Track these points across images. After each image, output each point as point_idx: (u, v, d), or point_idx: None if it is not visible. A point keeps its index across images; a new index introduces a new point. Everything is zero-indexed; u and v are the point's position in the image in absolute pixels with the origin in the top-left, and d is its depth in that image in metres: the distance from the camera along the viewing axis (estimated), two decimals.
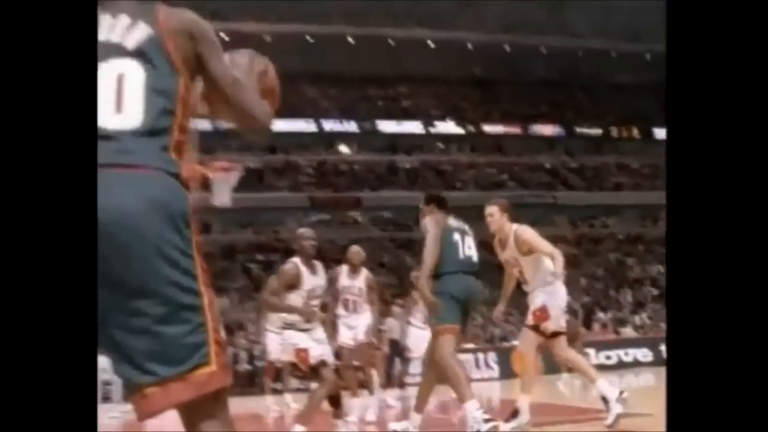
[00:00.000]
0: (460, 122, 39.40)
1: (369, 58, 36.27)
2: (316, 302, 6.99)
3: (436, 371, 6.66)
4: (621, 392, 6.38)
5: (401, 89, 39.70)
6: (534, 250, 6.90)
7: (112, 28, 2.08)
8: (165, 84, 2.05)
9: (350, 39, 36.99)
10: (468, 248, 6.74)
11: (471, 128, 39.38)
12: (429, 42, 37.62)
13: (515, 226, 7.02)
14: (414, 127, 38.94)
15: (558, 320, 6.90)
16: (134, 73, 2.03)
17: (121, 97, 2.00)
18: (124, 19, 2.09)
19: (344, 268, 9.01)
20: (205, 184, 9.54)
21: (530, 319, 6.94)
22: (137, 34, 2.07)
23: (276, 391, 13.08)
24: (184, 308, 1.93)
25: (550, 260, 6.82)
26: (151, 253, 1.90)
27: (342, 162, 37.75)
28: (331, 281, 8.32)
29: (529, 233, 6.97)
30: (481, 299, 7.83)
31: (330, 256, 28.55)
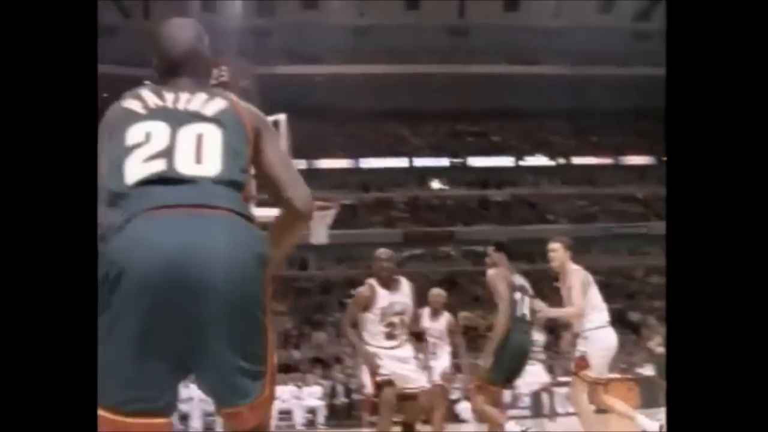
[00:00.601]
0: (550, 155, 39.34)
1: (458, 95, 36.75)
2: (396, 319, 6.84)
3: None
4: (660, 426, 6.38)
5: (491, 124, 39.99)
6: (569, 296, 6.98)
7: (189, 101, 2.28)
8: (239, 146, 2.23)
9: (439, 77, 37.57)
10: (525, 306, 7.09)
11: (561, 160, 39.27)
12: (517, 77, 37.85)
13: (573, 267, 7.09)
14: (504, 161, 39.16)
15: (599, 368, 6.86)
16: (212, 133, 2.21)
17: (201, 152, 2.17)
18: (201, 96, 2.31)
19: (426, 311, 8.91)
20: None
21: (573, 366, 7.10)
22: (215, 105, 2.28)
23: (374, 425, 13.39)
24: (256, 343, 2.11)
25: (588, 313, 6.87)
26: (234, 290, 2.02)
27: (434, 197, 38.17)
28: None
29: (574, 280, 6.97)
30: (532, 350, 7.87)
31: (423, 292, 28.94)
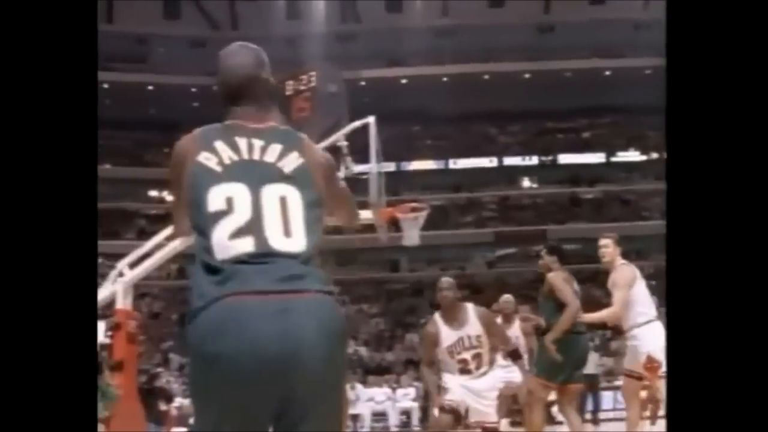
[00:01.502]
0: (642, 150, 38.48)
1: (546, 92, 36.29)
2: (467, 355, 6.65)
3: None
4: None
5: (580, 121, 39.37)
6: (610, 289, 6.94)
7: (264, 151, 2.34)
8: (317, 210, 2.33)
9: (526, 74, 37.20)
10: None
11: (654, 155, 38.37)
12: (606, 71, 37.15)
13: (621, 263, 7.05)
14: (595, 157, 38.50)
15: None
16: (293, 198, 2.27)
17: (287, 223, 2.23)
18: (276, 147, 2.35)
19: (498, 320, 8.66)
20: (395, 225, 10.17)
21: (641, 369, 6.83)
22: (291, 161, 2.33)
23: None
24: (334, 422, 2.25)
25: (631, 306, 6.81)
26: (321, 374, 2.13)
27: (525, 196, 37.84)
28: None
29: (619, 276, 6.93)
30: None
31: (517, 291, 28.70)
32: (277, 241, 2.20)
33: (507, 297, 9.33)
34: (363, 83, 33.25)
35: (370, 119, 9.51)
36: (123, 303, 9.76)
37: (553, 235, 34.43)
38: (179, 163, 2.35)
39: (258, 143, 2.34)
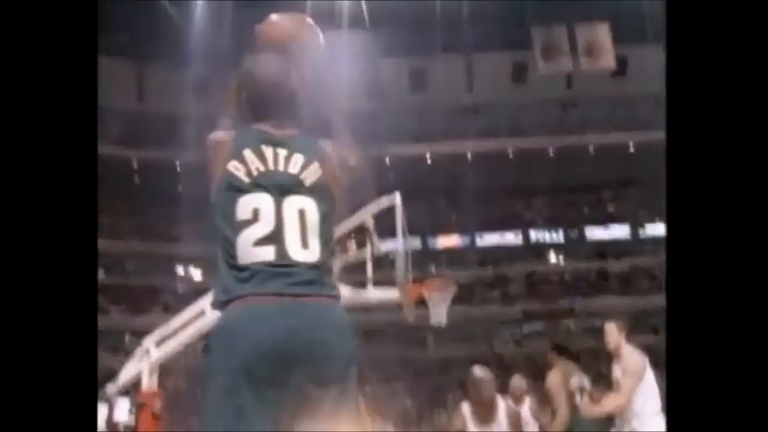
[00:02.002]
0: None
1: (571, 167, 36.38)
2: None
3: None
4: None
5: (606, 194, 39.29)
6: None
7: (288, 161, 2.56)
8: (331, 221, 2.59)
9: (550, 149, 37.36)
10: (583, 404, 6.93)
11: None
12: (630, 144, 37.22)
13: (628, 351, 6.70)
14: (622, 231, 38.28)
15: None
16: (311, 209, 2.52)
17: (305, 234, 2.49)
18: (298, 157, 2.58)
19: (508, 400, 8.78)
20: (421, 302, 10.08)
21: None
22: (312, 173, 2.57)
23: None
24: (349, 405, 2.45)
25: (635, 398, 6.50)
26: (341, 369, 2.44)
27: (552, 271, 37.56)
28: None
29: (628, 364, 6.61)
30: None
31: (545, 368, 28.24)
32: (295, 252, 2.46)
33: (518, 378, 9.19)
34: (388, 160, 33.51)
35: (395, 195, 9.52)
36: (148, 383, 9.72)
37: (581, 311, 34.11)
38: (213, 157, 2.58)
39: (282, 152, 2.57)
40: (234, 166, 2.52)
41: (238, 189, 2.50)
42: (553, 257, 38.50)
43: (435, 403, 29.23)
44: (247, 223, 2.46)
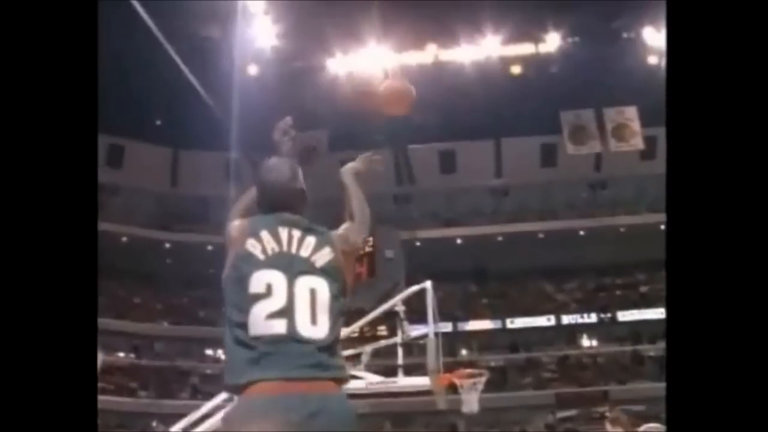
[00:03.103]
0: None
1: (602, 248, 36.16)
2: None
3: None
4: None
5: (638, 276, 38.89)
6: None
7: (301, 244, 2.75)
8: (340, 301, 2.72)
9: (581, 231, 37.23)
10: None
11: None
12: (661, 225, 37.00)
13: None
14: (655, 313, 37.69)
15: None
16: (322, 289, 2.68)
17: (315, 312, 2.63)
18: (311, 240, 2.78)
19: None
20: (452, 388, 9.95)
21: None
22: (324, 255, 2.76)
23: None
24: None
25: None
26: None
27: (585, 355, 36.96)
28: None
29: None
30: None
31: None
32: (305, 328, 2.58)
33: None
34: (419, 243, 33.55)
35: (427, 284, 9.48)
36: None
37: (615, 396, 33.39)
38: (231, 244, 2.80)
39: (296, 235, 2.77)
40: (251, 244, 2.72)
41: (254, 265, 2.67)
42: (585, 341, 37.95)
43: None
44: (261, 296, 2.60)
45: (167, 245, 36.51)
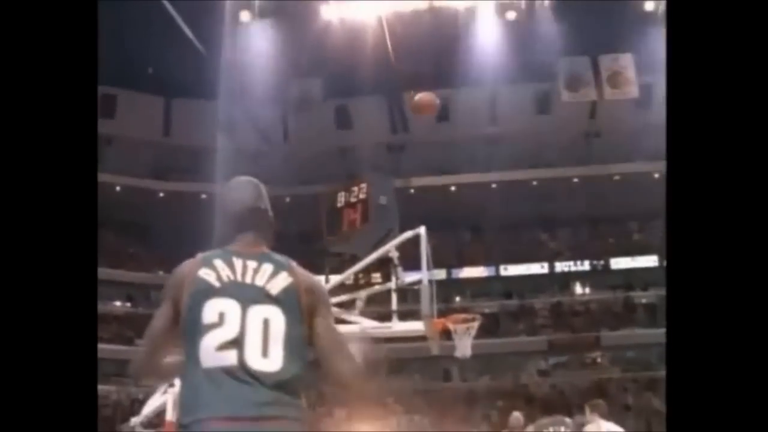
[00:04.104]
0: None
1: (596, 197, 36.25)
2: None
3: None
4: None
5: (631, 224, 39.08)
6: None
7: (256, 273, 2.61)
8: (297, 331, 2.55)
9: (575, 179, 37.27)
10: None
11: None
12: (655, 174, 37.06)
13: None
14: (648, 261, 37.97)
15: None
16: (276, 318, 2.52)
17: (267, 343, 2.48)
18: (267, 268, 2.63)
19: None
20: (446, 334, 10.05)
21: None
22: (279, 283, 2.60)
23: None
24: None
25: None
26: None
27: (577, 302, 37.31)
28: None
29: None
30: None
31: (572, 401, 27.94)
32: (255, 361, 2.44)
33: (516, 414, 9.67)
34: (413, 191, 33.59)
35: (421, 230, 9.52)
36: (172, 415, 9.69)
37: (607, 342, 33.78)
38: (179, 282, 2.64)
39: (252, 264, 2.62)
40: (205, 272, 2.60)
41: (206, 293, 2.54)
42: (578, 288, 38.26)
43: None
44: (213, 326, 2.48)
45: (161, 194, 36.51)
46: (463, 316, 10.05)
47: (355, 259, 9.90)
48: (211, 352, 2.43)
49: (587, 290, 38.10)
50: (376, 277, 10.44)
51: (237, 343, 2.45)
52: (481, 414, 30.13)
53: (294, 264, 2.70)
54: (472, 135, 37.05)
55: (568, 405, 23.18)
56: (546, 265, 38.00)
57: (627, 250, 38.28)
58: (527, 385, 32.23)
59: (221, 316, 2.49)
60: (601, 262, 38.18)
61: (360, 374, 2.59)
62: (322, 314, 2.65)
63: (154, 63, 35.52)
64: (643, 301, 36.44)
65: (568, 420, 7.66)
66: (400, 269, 9.42)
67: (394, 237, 9.52)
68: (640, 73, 33.77)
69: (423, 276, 9.20)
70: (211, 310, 2.50)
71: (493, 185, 36.50)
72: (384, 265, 9.67)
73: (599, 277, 37.83)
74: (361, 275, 9.98)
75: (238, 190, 2.91)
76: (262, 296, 2.55)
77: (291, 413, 2.43)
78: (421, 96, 8.84)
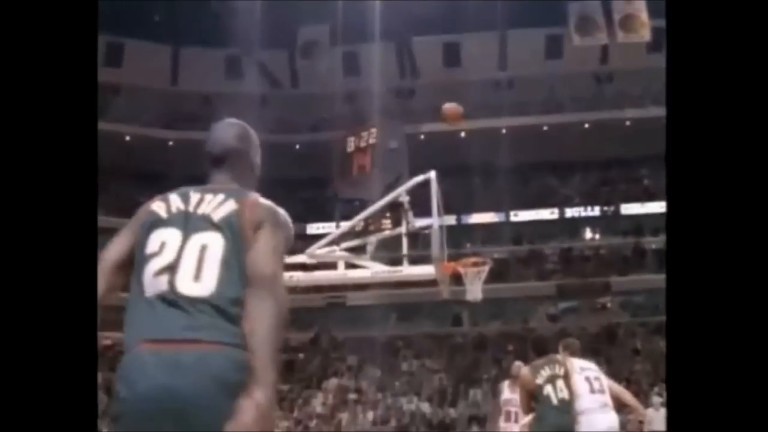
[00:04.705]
0: None
1: (606, 142, 36.03)
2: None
3: None
4: None
5: (642, 170, 38.89)
6: None
7: (207, 203, 2.57)
8: (237, 256, 2.44)
9: (586, 125, 37.01)
10: (561, 392, 7.58)
11: None
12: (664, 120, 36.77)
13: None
14: (658, 206, 37.86)
15: None
16: (215, 243, 2.46)
17: (201, 267, 2.42)
18: (219, 197, 2.59)
19: (506, 383, 9.97)
20: (457, 278, 10.11)
21: None
22: (224, 209, 2.54)
23: None
24: None
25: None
26: (211, 426, 2.23)
27: (587, 248, 37.35)
28: (495, 395, 8.98)
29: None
30: None
31: (582, 346, 28.11)
32: (185, 285, 2.40)
33: (517, 363, 9.88)
34: (422, 137, 33.45)
35: (431, 174, 9.51)
36: None
37: (617, 288, 33.91)
38: (136, 216, 2.65)
39: (208, 197, 2.60)
40: (157, 206, 2.62)
41: (153, 225, 2.55)
42: (588, 233, 38.26)
43: (471, 381, 29.32)
44: (154, 255, 2.48)
45: (170, 143, 36.46)
46: (473, 259, 10.09)
47: (365, 205, 9.92)
48: (149, 279, 2.44)
49: (597, 236, 38.09)
50: (387, 222, 10.47)
51: (171, 268, 2.43)
52: (491, 358, 30.40)
53: (252, 195, 2.63)
54: (481, 80, 36.73)
55: (583, 349, 23.33)
56: (556, 210, 37.94)
57: (637, 196, 38.15)
58: (537, 330, 32.47)
59: (162, 245, 2.49)
60: (612, 208, 38.08)
61: (271, 315, 2.37)
62: (263, 236, 2.50)
63: (161, 11, 35.25)
64: (653, 246, 36.40)
65: (559, 357, 7.80)
66: (410, 213, 9.44)
67: (405, 182, 9.52)
68: (652, 16, 33.29)
69: (433, 220, 9.22)
70: (154, 240, 2.51)
71: (503, 131, 36.26)
72: (394, 210, 9.68)
73: (609, 222, 37.78)
74: (371, 220, 10.01)
75: (219, 130, 2.90)
76: (205, 224, 2.51)
77: (225, 338, 2.33)
78: (448, 107, 9.76)
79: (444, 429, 24.66)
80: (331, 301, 33.14)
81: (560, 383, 7.54)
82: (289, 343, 33.69)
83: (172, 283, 2.40)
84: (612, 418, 7.84)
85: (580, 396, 7.66)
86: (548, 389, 7.49)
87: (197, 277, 2.41)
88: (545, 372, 7.60)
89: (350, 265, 10.10)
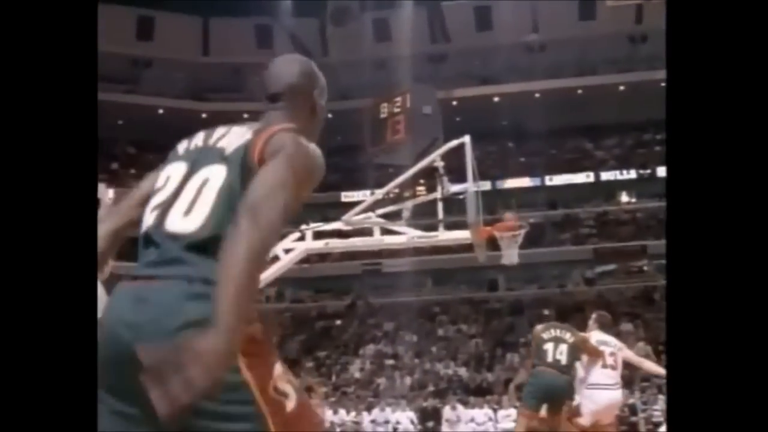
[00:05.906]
0: None
1: (641, 104, 35.56)
2: None
3: None
4: None
5: None
6: None
7: (227, 136, 2.32)
8: (235, 190, 2.16)
9: (620, 87, 36.53)
10: (559, 353, 8.07)
11: None
12: None
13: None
14: None
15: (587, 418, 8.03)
16: (217, 177, 2.21)
17: (195, 201, 2.19)
18: (242, 129, 2.33)
19: None
20: (493, 243, 10.09)
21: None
22: (238, 141, 2.26)
23: None
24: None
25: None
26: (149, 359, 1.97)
27: (623, 211, 37.06)
28: None
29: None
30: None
31: (618, 309, 28.04)
32: (173, 221, 2.20)
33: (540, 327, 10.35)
34: (455, 103, 33.26)
35: (466, 139, 9.47)
36: None
37: (654, 251, 33.66)
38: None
39: (235, 130, 2.35)
40: (180, 144, 2.44)
41: (169, 160, 2.39)
42: (624, 197, 37.93)
43: (507, 345, 29.39)
44: (158, 190, 2.31)
45: (203, 115, 36.63)
46: (508, 224, 10.06)
47: (400, 171, 9.92)
48: (146, 215, 2.27)
49: (633, 199, 37.75)
50: (422, 188, 10.47)
51: (167, 204, 2.23)
52: (527, 323, 30.41)
53: (275, 127, 2.31)
54: (514, 43, 36.36)
55: (615, 313, 23.27)
56: (591, 174, 37.62)
57: None
58: (573, 294, 32.40)
59: (167, 179, 2.31)
60: (648, 171, 37.67)
61: (246, 249, 1.98)
62: (269, 166, 2.16)
63: None
64: None
65: (574, 332, 8.32)
66: (445, 179, 9.42)
67: (439, 147, 9.50)
68: None
69: (468, 185, 9.20)
70: (162, 175, 2.34)
71: (537, 95, 35.94)
72: (429, 176, 9.68)
73: (645, 185, 37.39)
74: (406, 186, 10.02)
75: (278, 65, 2.68)
76: (215, 157, 2.26)
77: (196, 273, 2.08)
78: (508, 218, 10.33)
79: (481, 393, 24.78)
80: (367, 268, 33.30)
81: (563, 347, 7.94)
82: (326, 310, 33.99)
83: (160, 219, 2.21)
84: (613, 395, 8.06)
85: (588, 369, 7.96)
86: (548, 346, 8.00)
87: (188, 212, 2.18)
88: (553, 332, 8.13)
89: (386, 231, 10.13)
